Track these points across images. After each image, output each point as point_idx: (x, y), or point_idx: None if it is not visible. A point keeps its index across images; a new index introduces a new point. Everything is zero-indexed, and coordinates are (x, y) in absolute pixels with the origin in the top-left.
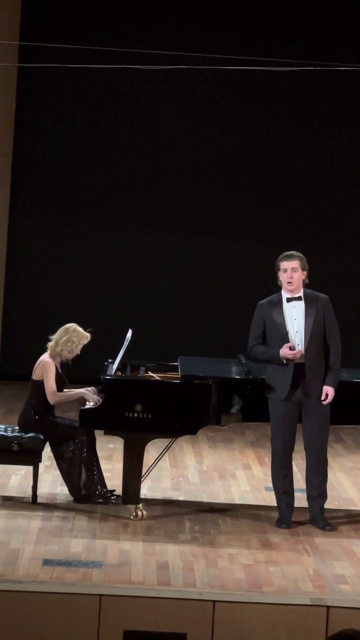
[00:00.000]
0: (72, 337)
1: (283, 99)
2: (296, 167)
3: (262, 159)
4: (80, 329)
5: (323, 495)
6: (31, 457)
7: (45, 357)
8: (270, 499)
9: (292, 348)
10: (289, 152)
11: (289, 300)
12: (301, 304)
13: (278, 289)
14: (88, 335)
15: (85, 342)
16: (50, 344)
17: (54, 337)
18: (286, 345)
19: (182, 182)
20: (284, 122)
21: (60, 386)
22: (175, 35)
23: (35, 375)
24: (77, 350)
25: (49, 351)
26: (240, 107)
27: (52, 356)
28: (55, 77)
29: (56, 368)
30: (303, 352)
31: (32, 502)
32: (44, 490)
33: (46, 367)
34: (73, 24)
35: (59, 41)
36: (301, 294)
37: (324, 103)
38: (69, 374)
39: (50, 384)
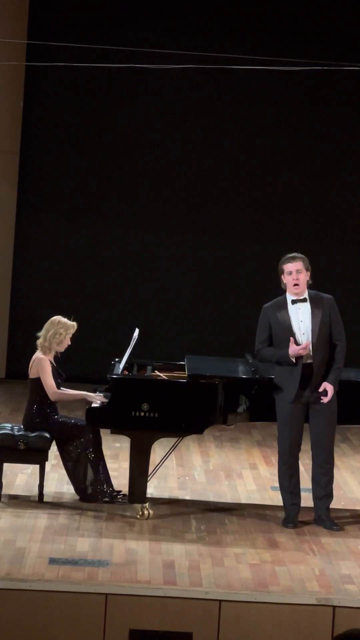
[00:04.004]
0: (58, 329)
1: (287, 98)
2: (301, 166)
3: (268, 159)
4: (65, 319)
5: (329, 495)
6: (38, 456)
7: (38, 354)
8: (276, 498)
9: (297, 343)
10: (294, 152)
11: (294, 302)
12: (307, 306)
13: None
14: (74, 324)
15: (72, 331)
16: (39, 341)
17: (41, 333)
18: (292, 342)
19: (189, 181)
20: (289, 122)
21: (57, 380)
22: (182, 34)
23: (32, 374)
24: (67, 341)
25: (39, 348)
26: (245, 106)
27: (44, 352)
28: (62, 76)
29: (51, 363)
30: (311, 346)
31: (39, 501)
32: (50, 489)
33: (41, 364)
34: (80, 22)
35: (66, 40)
36: (306, 295)
37: (329, 102)
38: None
39: (49, 381)
